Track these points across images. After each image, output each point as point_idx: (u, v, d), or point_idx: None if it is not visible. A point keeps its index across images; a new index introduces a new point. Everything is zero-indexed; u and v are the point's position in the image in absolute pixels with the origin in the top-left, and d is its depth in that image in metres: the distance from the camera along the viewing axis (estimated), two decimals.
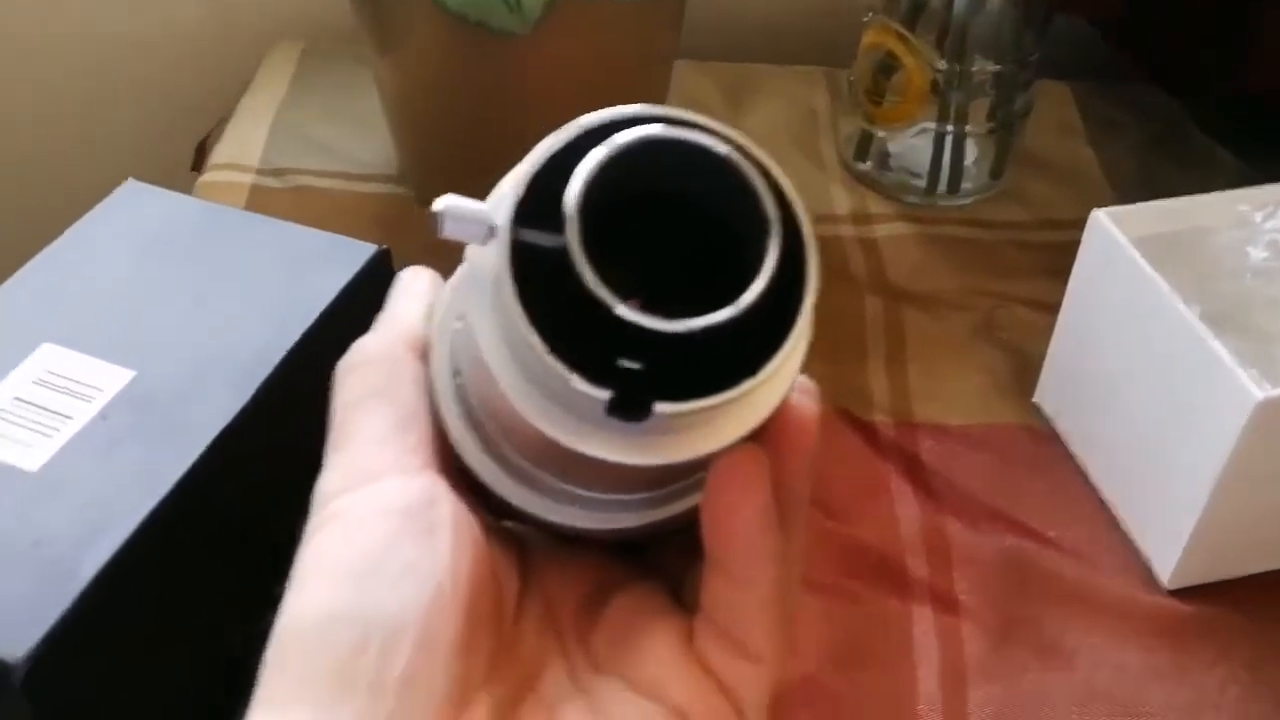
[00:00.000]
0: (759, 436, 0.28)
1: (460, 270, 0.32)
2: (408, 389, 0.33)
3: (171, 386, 0.42)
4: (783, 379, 0.28)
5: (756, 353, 0.26)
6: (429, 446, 0.32)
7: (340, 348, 0.47)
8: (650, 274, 0.26)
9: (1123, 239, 0.52)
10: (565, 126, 0.27)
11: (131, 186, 0.50)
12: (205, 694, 0.44)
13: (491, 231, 0.26)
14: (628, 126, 0.27)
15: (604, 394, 0.26)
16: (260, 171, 0.71)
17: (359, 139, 0.74)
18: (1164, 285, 0.49)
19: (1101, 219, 0.53)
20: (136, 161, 0.87)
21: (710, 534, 0.29)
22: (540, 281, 0.26)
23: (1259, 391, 0.45)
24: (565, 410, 0.27)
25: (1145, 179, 0.74)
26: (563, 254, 0.25)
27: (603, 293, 0.25)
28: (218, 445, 0.41)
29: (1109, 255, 0.53)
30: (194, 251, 0.47)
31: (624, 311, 0.25)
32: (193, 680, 0.44)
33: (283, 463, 0.45)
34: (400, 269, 0.63)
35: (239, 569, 0.44)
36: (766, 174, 0.27)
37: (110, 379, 0.42)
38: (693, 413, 0.26)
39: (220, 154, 0.73)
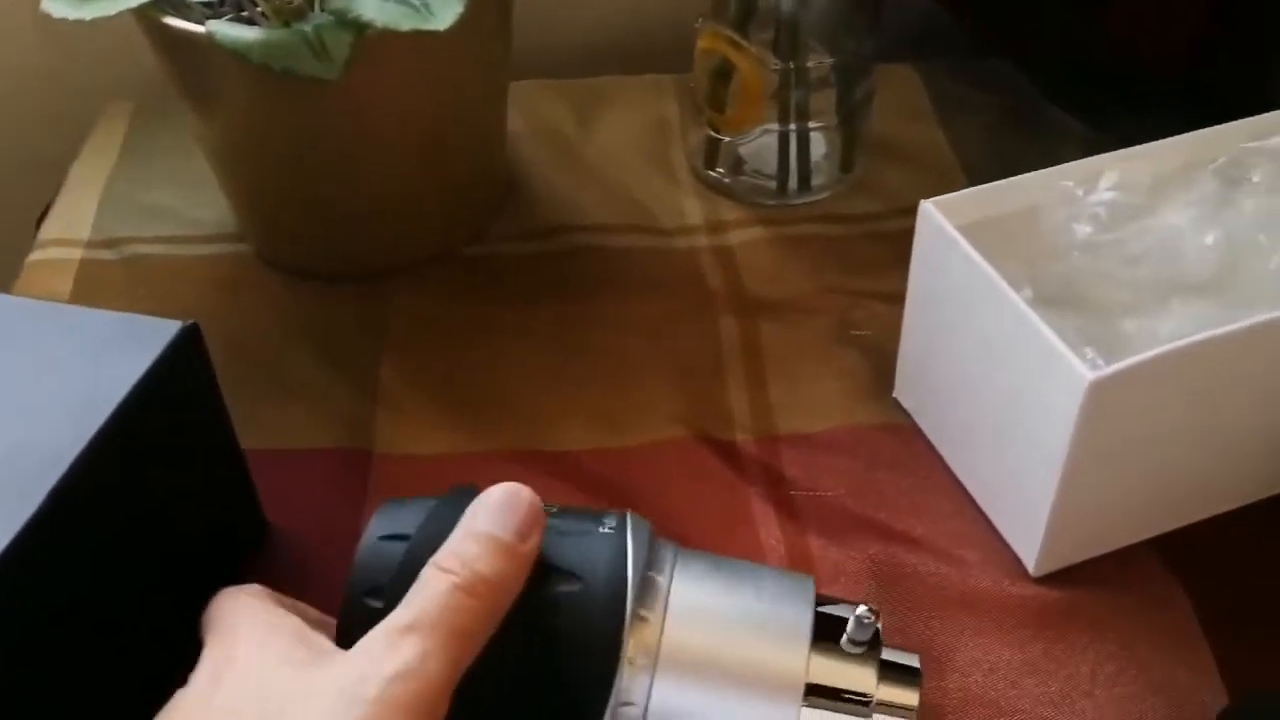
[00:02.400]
0: None
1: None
2: None
3: None
4: None
5: None
6: None
7: (148, 436, 0.45)
8: None
9: (950, 228, 0.51)
10: None
11: None
12: None
13: None
14: None
15: None
16: (91, 244, 0.69)
17: (195, 199, 0.72)
18: (992, 272, 0.48)
19: (929, 210, 0.52)
20: None
21: None
22: None
23: (1089, 372, 0.44)
24: None
25: (997, 156, 0.74)
26: None
27: None
28: (5, 562, 0.38)
29: (940, 246, 0.52)
30: None
31: None
32: None
33: (88, 579, 0.43)
34: (238, 332, 0.61)
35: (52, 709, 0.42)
36: None
37: None
38: None
39: (49, 229, 0.70)
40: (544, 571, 0.39)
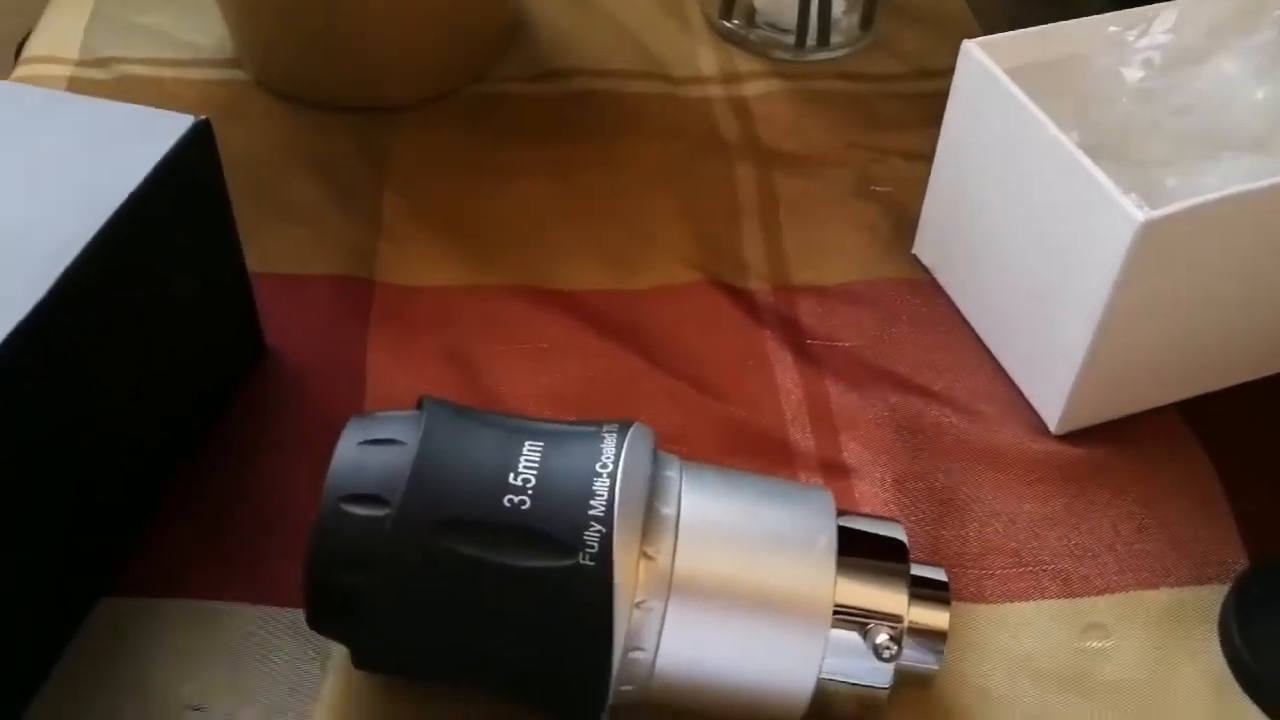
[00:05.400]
0: None
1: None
2: None
3: None
4: None
5: None
6: None
7: (157, 230, 0.43)
8: None
9: (995, 69, 0.49)
10: None
11: None
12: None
13: None
14: None
15: None
16: (80, 63, 0.66)
17: (189, 22, 0.69)
18: (1039, 113, 0.47)
19: (973, 50, 0.50)
20: None
21: None
22: None
23: (1139, 214, 0.43)
24: None
25: (1017, 23, 0.71)
26: None
27: None
28: (11, 346, 0.36)
29: (982, 87, 0.50)
30: None
31: None
32: None
33: (90, 370, 0.41)
34: (236, 158, 0.59)
35: (46, 502, 0.40)
36: None
37: None
38: None
39: (35, 46, 0.67)
40: (525, 537, 0.37)
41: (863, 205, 0.60)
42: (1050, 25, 0.51)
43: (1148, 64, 0.49)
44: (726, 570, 0.38)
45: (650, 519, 0.38)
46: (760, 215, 0.60)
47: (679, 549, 0.38)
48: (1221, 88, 0.49)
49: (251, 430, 0.50)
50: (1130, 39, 0.50)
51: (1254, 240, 0.46)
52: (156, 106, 0.63)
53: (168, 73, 0.66)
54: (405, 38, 0.63)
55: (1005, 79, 0.48)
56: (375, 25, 0.62)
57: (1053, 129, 0.46)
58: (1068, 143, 0.45)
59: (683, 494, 0.39)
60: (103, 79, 0.65)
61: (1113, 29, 0.50)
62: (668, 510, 0.38)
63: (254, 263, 0.52)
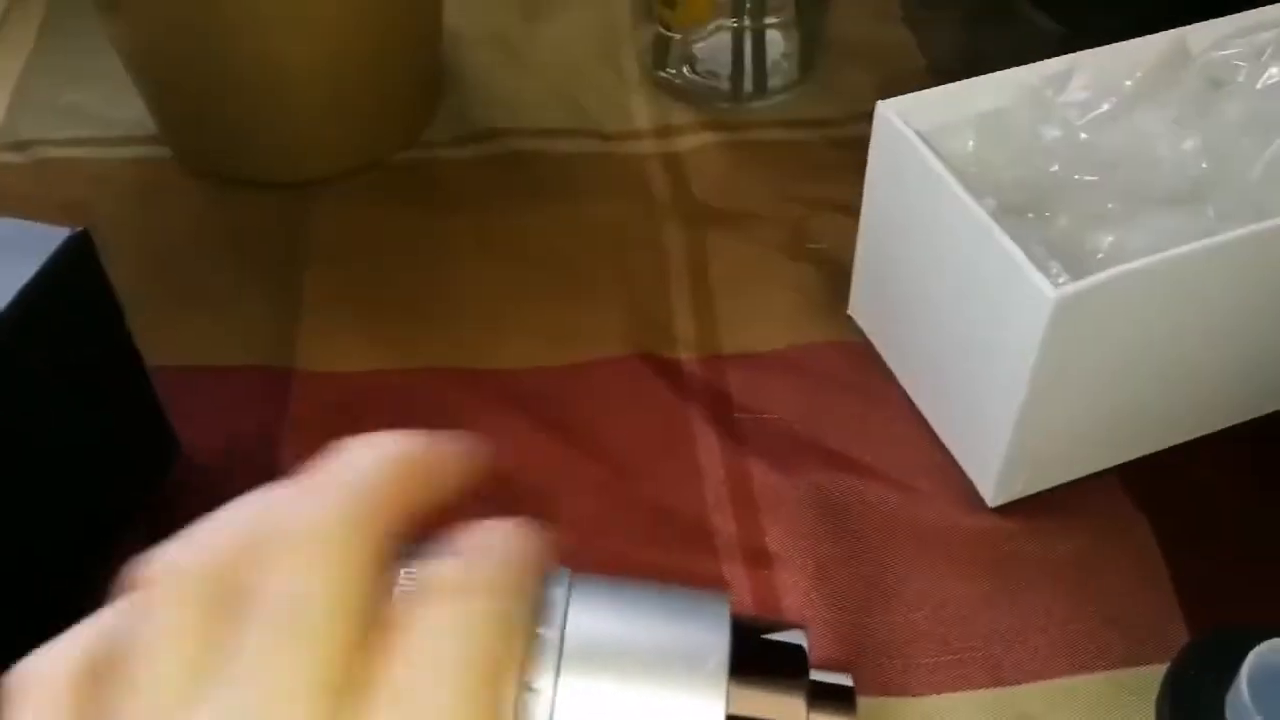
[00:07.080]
0: None
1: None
2: None
3: None
4: None
5: None
6: None
7: (33, 351, 0.42)
8: None
9: (908, 132, 0.47)
10: None
11: None
12: None
13: None
14: None
15: None
16: None
17: (112, 98, 0.67)
18: (952, 179, 0.45)
19: (886, 112, 0.48)
20: None
21: None
22: None
23: (1052, 290, 0.41)
24: None
25: (965, 56, 0.70)
26: None
27: None
28: None
29: (897, 151, 0.48)
30: None
31: None
32: None
33: None
34: (153, 242, 0.57)
35: None
36: None
37: None
38: None
39: None
40: None
41: (797, 265, 0.58)
42: (966, 81, 0.49)
43: (1065, 122, 0.47)
44: (612, 696, 0.36)
45: (532, 646, 0.36)
46: (690, 279, 0.58)
47: (561, 677, 0.36)
48: (1146, 140, 0.47)
49: (163, 537, 0.48)
50: (1049, 94, 0.48)
51: (1180, 302, 0.44)
52: (76, 188, 0.63)
53: (88, 152, 0.65)
54: (327, 109, 0.61)
55: (918, 143, 0.46)
56: (294, 97, 0.60)
57: (965, 196, 0.44)
58: (982, 212, 0.44)
59: (569, 615, 0.37)
60: (21, 162, 0.64)
61: (1033, 82, 0.48)
62: (551, 634, 0.36)
63: (167, 356, 0.51)
